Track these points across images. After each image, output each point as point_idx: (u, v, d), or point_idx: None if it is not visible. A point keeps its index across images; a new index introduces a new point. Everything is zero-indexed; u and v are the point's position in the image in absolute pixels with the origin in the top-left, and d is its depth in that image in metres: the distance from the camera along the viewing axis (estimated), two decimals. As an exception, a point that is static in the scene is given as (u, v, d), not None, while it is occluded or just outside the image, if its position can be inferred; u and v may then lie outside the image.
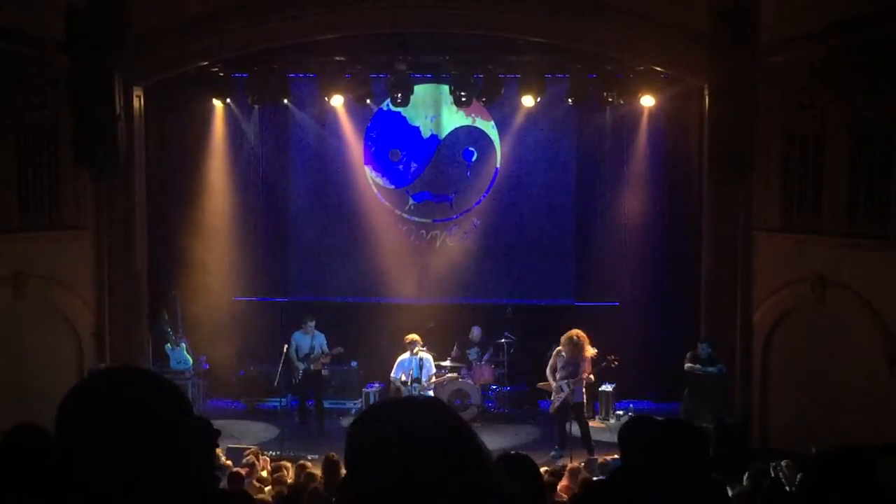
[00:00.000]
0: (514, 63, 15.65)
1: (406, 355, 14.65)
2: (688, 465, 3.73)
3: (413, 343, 14.65)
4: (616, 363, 14.03)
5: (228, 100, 16.52)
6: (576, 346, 13.64)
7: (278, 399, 14.82)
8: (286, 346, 14.76)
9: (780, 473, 10.78)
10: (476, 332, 16.48)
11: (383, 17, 14.37)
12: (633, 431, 4.78)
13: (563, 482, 9.66)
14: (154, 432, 1.89)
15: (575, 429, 13.81)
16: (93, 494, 1.85)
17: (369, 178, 17.59)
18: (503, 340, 16.13)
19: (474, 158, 17.47)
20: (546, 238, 17.29)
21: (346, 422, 15.23)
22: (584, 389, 13.96)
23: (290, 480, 10.15)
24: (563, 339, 13.80)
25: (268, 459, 11.67)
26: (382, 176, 17.62)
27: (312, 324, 15.47)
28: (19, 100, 13.52)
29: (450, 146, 17.44)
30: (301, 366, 15.27)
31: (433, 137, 17.44)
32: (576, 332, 13.77)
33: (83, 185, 14.17)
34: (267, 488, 9.90)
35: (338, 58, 15.57)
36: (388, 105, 16.79)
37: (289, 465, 11.11)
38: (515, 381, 16.25)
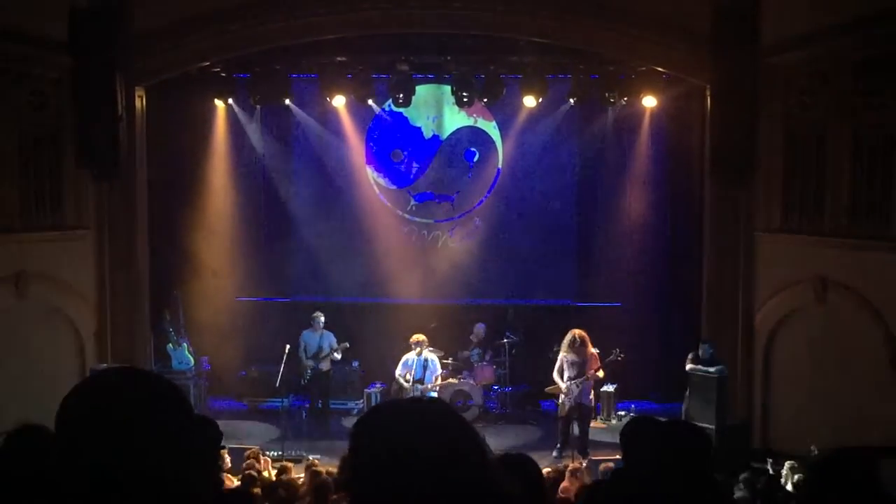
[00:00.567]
0: (515, 63, 15.63)
1: (411, 355, 14.61)
2: (690, 466, 3.73)
3: (419, 343, 14.58)
4: (622, 356, 13.99)
5: (230, 100, 16.51)
6: (581, 345, 13.64)
7: (280, 399, 14.80)
8: (288, 346, 14.70)
9: (780, 472, 10.80)
10: (480, 328, 16.45)
11: (385, 18, 14.37)
12: (634, 432, 4.77)
13: (564, 482, 9.66)
14: (154, 433, 1.89)
15: (575, 429, 13.80)
16: (93, 496, 1.85)
17: (371, 179, 17.59)
18: (505, 341, 16.13)
19: (476, 159, 17.47)
20: (548, 238, 17.28)
21: (348, 422, 15.23)
22: (592, 390, 13.94)
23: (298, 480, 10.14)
24: (565, 340, 13.77)
25: (269, 460, 11.67)
26: (384, 176, 17.62)
27: (321, 320, 15.54)
28: (21, 100, 13.52)
29: (451, 147, 17.45)
30: (311, 364, 15.31)
31: (435, 138, 17.44)
32: (577, 331, 13.76)
33: (85, 186, 14.19)
34: (255, 490, 9.87)
35: (339, 58, 15.57)
36: (389, 105, 16.80)
37: (290, 465, 11.11)
38: (517, 381, 16.24)
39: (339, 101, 16.21)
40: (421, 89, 16.43)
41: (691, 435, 3.94)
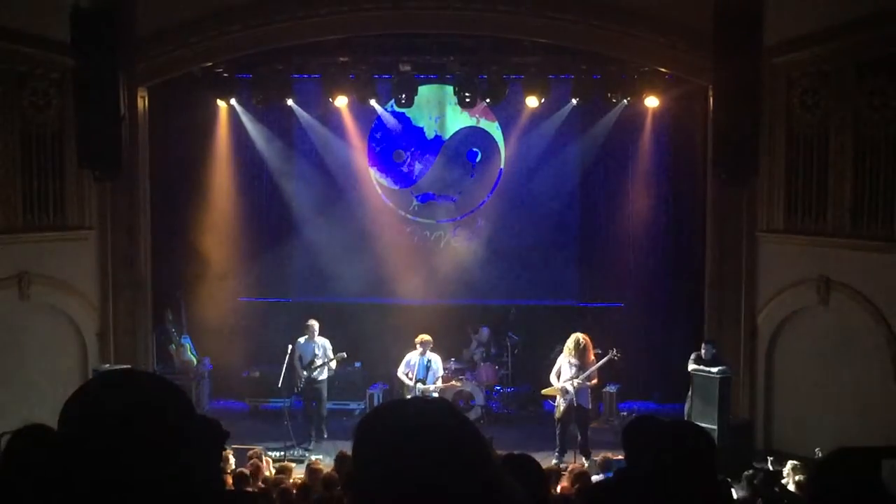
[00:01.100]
0: (518, 64, 15.63)
1: (414, 355, 14.55)
2: (692, 466, 3.72)
3: (424, 343, 14.47)
4: (619, 356, 13.93)
5: (232, 101, 16.51)
6: (584, 350, 13.56)
7: (282, 400, 14.78)
8: (290, 346, 14.63)
9: (781, 472, 10.79)
10: (485, 332, 16.48)
11: (387, 19, 14.38)
12: (636, 431, 4.78)
13: (565, 483, 9.65)
14: (158, 436, 1.89)
15: (575, 433, 13.73)
16: (96, 497, 1.85)
17: (373, 179, 17.60)
18: (507, 341, 16.11)
19: (478, 159, 17.48)
20: (550, 239, 17.29)
21: (350, 423, 15.21)
22: (589, 392, 13.85)
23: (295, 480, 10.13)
24: (569, 344, 13.65)
25: (270, 460, 11.67)
26: (386, 176, 17.63)
27: (316, 328, 14.91)
28: (24, 100, 13.54)
29: (454, 147, 17.46)
30: (304, 374, 14.77)
31: (437, 138, 17.45)
32: (581, 335, 13.68)
33: (87, 186, 14.20)
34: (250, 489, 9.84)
35: (342, 59, 15.57)
36: (392, 106, 16.80)
37: (292, 466, 11.10)
38: (519, 381, 16.24)
39: (341, 102, 16.21)
40: (423, 90, 16.42)
41: (694, 435, 3.94)
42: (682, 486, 3.67)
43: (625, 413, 15.81)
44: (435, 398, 3.45)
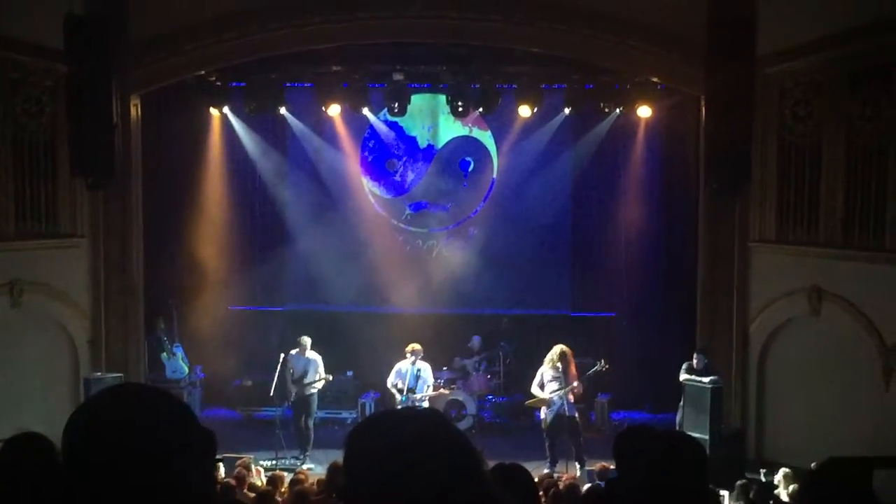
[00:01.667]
0: (511, 73, 15.67)
1: (405, 364, 14.51)
2: (684, 476, 3.73)
3: (415, 352, 14.43)
4: (606, 367, 13.90)
5: (225, 109, 16.54)
6: (567, 360, 13.54)
7: (274, 409, 14.75)
8: (283, 355, 14.55)
9: (773, 482, 10.80)
10: (476, 342, 16.48)
11: (380, 28, 14.40)
12: (628, 441, 4.78)
13: (558, 490, 9.63)
14: (160, 450, 1.89)
15: (567, 444, 13.70)
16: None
17: (366, 188, 17.61)
18: (499, 351, 16.09)
19: (471, 168, 17.50)
20: (543, 248, 17.30)
21: (341, 432, 15.17)
22: (574, 403, 13.77)
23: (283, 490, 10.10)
24: (551, 355, 13.59)
25: (261, 470, 11.63)
26: (379, 185, 17.64)
27: (308, 344, 14.63)
28: (16, 107, 13.50)
29: (447, 156, 17.48)
30: (294, 389, 14.53)
31: (430, 147, 17.47)
32: (563, 347, 13.58)
33: (80, 194, 14.18)
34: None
35: (335, 67, 15.59)
36: (385, 115, 16.81)
37: (283, 474, 11.06)
38: (511, 391, 16.23)
39: (334, 111, 16.24)
40: (416, 99, 16.44)
41: (686, 445, 3.95)
42: (674, 496, 3.67)
43: (617, 422, 15.80)
44: (426, 408, 3.45)
